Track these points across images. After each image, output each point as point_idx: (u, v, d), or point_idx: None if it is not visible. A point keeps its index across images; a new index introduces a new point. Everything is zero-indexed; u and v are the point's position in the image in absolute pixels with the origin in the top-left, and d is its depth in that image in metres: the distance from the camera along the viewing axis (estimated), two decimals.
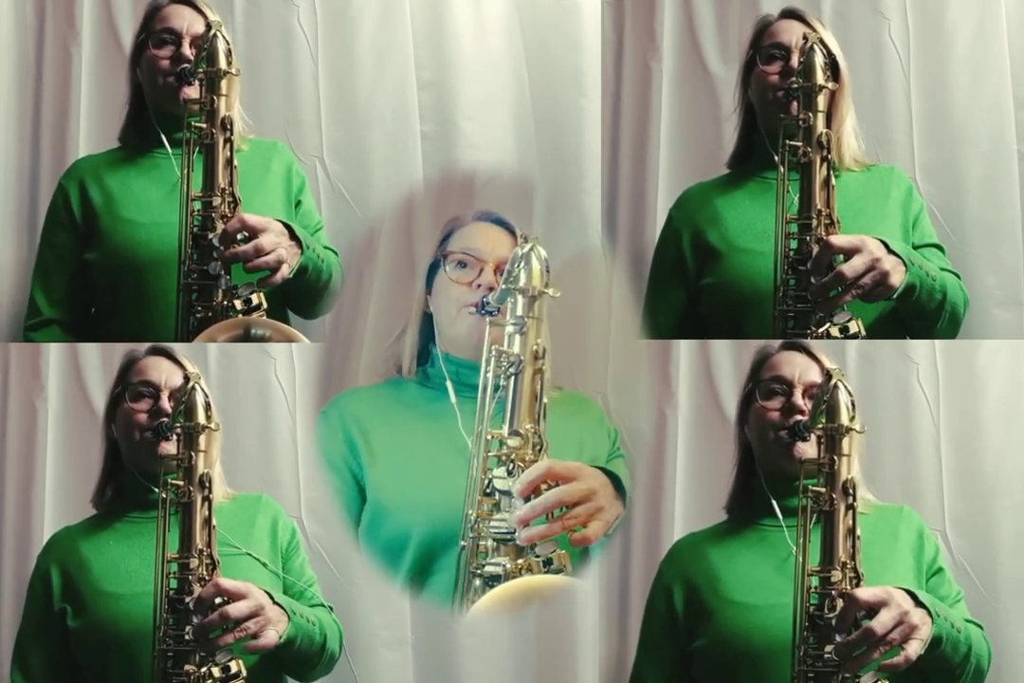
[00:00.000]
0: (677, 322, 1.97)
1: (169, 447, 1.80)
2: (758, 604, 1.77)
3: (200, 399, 1.78)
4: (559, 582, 1.63)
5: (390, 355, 1.94)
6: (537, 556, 1.61)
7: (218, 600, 1.73)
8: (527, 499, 1.61)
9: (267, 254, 1.84)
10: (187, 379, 1.79)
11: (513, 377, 1.66)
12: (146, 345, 1.88)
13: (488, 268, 1.85)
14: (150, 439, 1.83)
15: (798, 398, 1.80)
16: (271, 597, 1.76)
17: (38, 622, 1.84)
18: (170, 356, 1.87)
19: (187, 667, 1.74)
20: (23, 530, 2.17)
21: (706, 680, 1.81)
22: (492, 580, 1.62)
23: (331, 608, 1.92)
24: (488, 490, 1.66)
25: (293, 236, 1.88)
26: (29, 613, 1.86)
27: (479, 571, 1.63)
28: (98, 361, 2.16)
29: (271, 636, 1.74)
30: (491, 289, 1.79)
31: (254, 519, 1.89)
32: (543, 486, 1.61)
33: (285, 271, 1.86)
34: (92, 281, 1.94)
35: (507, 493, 1.64)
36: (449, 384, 1.85)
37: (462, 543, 1.66)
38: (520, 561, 1.62)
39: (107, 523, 1.87)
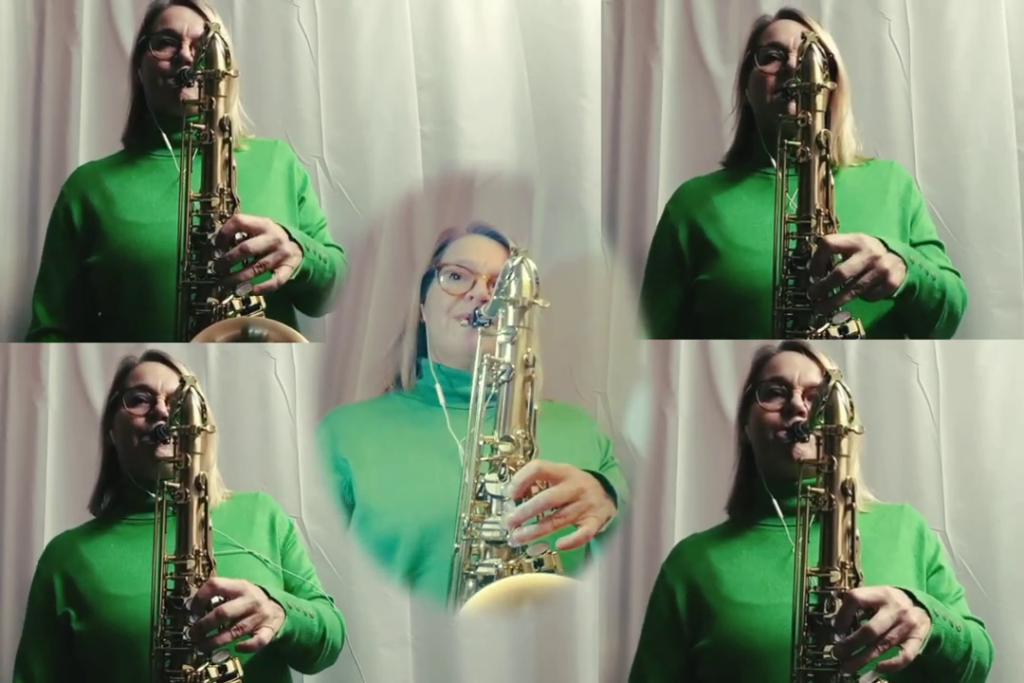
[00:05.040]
0: (673, 319, 1.97)
1: (166, 450, 1.80)
2: (760, 604, 1.77)
3: (195, 402, 1.78)
4: (551, 581, 1.63)
5: (388, 364, 1.94)
6: (528, 557, 1.63)
7: (215, 599, 1.73)
8: (519, 502, 1.62)
9: (262, 255, 1.83)
10: (182, 382, 1.79)
11: (504, 384, 1.68)
12: (142, 350, 1.89)
13: (481, 281, 1.87)
14: (148, 443, 1.83)
15: (798, 399, 1.80)
16: (267, 593, 1.76)
17: (40, 628, 1.85)
18: (166, 361, 1.87)
19: (184, 667, 1.75)
20: (23, 530, 2.17)
21: (710, 680, 1.81)
22: (485, 581, 1.63)
23: (331, 599, 1.93)
24: (480, 494, 1.67)
25: (291, 239, 1.87)
26: (30, 620, 1.86)
27: (472, 572, 1.65)
28: (98, 361, 2.16)
29: (265, 634, 1.74)
30: (483, 301, 1.81)
31: (253, 517, 1.89)
32: (534, 488, 1.62)
33: (283, 275, 1.86)
34: (94, 285, 1.93)
35: (499, 497, 1.65)
36: (438, 387, 1.86)
37: (456, 546, 1.67)
38: (512, 562, 1.63)
39: (107, 526, 1.88)
